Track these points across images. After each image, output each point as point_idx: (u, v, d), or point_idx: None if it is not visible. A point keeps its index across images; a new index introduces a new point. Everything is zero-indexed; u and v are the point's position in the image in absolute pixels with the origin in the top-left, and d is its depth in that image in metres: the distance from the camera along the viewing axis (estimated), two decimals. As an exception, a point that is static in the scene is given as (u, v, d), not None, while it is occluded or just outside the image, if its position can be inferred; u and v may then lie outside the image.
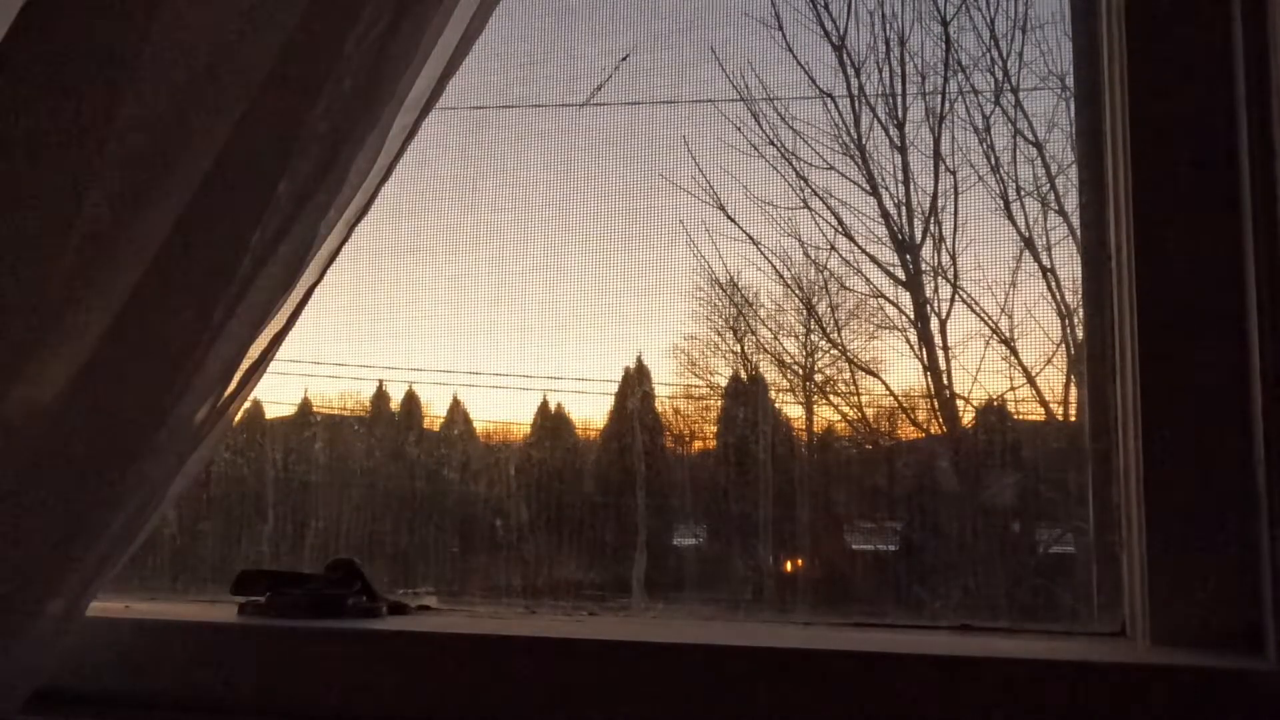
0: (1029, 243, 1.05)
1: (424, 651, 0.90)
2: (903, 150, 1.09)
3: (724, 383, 1.16)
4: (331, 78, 0.73)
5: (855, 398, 1.12)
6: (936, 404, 1.09)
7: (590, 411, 1.16)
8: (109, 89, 0.71)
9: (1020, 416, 1.06)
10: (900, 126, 1.09)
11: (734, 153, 1.10)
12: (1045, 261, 1.04)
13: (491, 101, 1.12)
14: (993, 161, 1.07)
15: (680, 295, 1.12)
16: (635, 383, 1.14)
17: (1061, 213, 1.04)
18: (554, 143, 1.11)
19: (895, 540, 1.08)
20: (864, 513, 1.11)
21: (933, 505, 1.07)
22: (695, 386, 1.17)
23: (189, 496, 1.16)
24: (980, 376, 1.06)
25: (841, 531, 1.10)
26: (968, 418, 1.08)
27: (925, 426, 1.10)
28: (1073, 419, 1.03)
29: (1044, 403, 1.06)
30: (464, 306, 1.13)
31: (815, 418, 1.13)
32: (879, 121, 1.09)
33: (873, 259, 1.09)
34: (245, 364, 0.82)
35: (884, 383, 1.10)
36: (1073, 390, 1.04)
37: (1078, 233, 1.00)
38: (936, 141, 1.08)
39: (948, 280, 1.07)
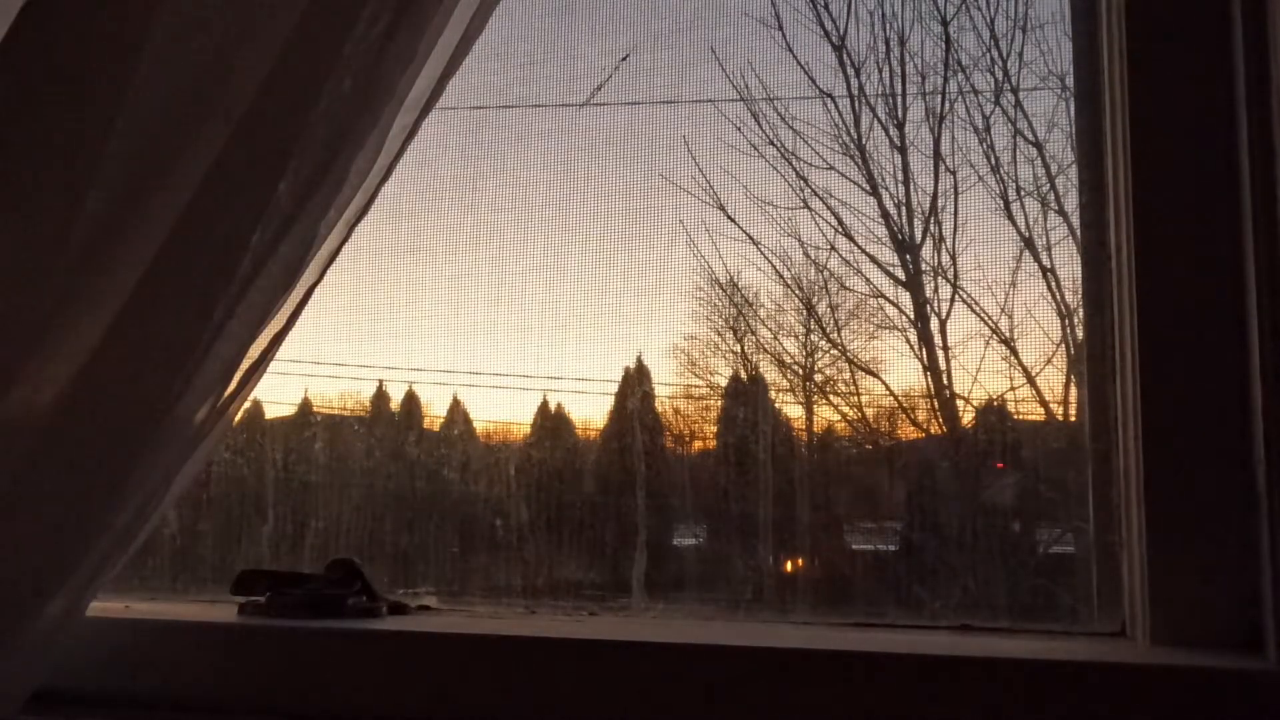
0: (1029, 243, 1.05)
1: (424, 651, 0.90)
2: (903, 150, 1.09)
3: (724, 383, 1.16)
4: (331, 78, 0.73)
5: (855, 398, 1.12)
6: (936, 404, 1.09)
7: (590, 411, 1.17)
8: (109, 89, 0.71)
9: (1020, 416, 1.06)
10: (900, 126, 1.09)
11: (734, 153, 1.10)
12: (1045, 261, 1.04)
13: (491, 101, 1.12)
14: (993, 161, 1.07)
15: (680, 295, 1.12)
16: (635, 383, 1.14)
17: (1061, 213, 1.04)
18: (554, 143, 1.11)
19: (895, 540, 1.08)
20: (864, 513, 1.11)
21: (933, 505, 1.07)
22: (695, 386, 1.17)
23: (189, 496, 1.16)
24: (980, 376, 1.06)
25: (841, 531, 1.10)
26: (968, 418, 1.08)
27: (925, 426, 1.10)
28: (1073, 419, 1.03)
29: (1044, 403, 1.06)
30: (464, 306, 1.13)
31: (815, 418, 1.13)
32: (879, 121, 1.09)
33: (873, 259, 1.09)
34: (245, 364, 0.82)
35: (884, 383, 1.10)
36: (1073, 390, 1.04)
37: (1078, 233, 1.00)
38: (936, 141, 1.08)
39: (948, 280, 1.07)
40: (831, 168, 1.09)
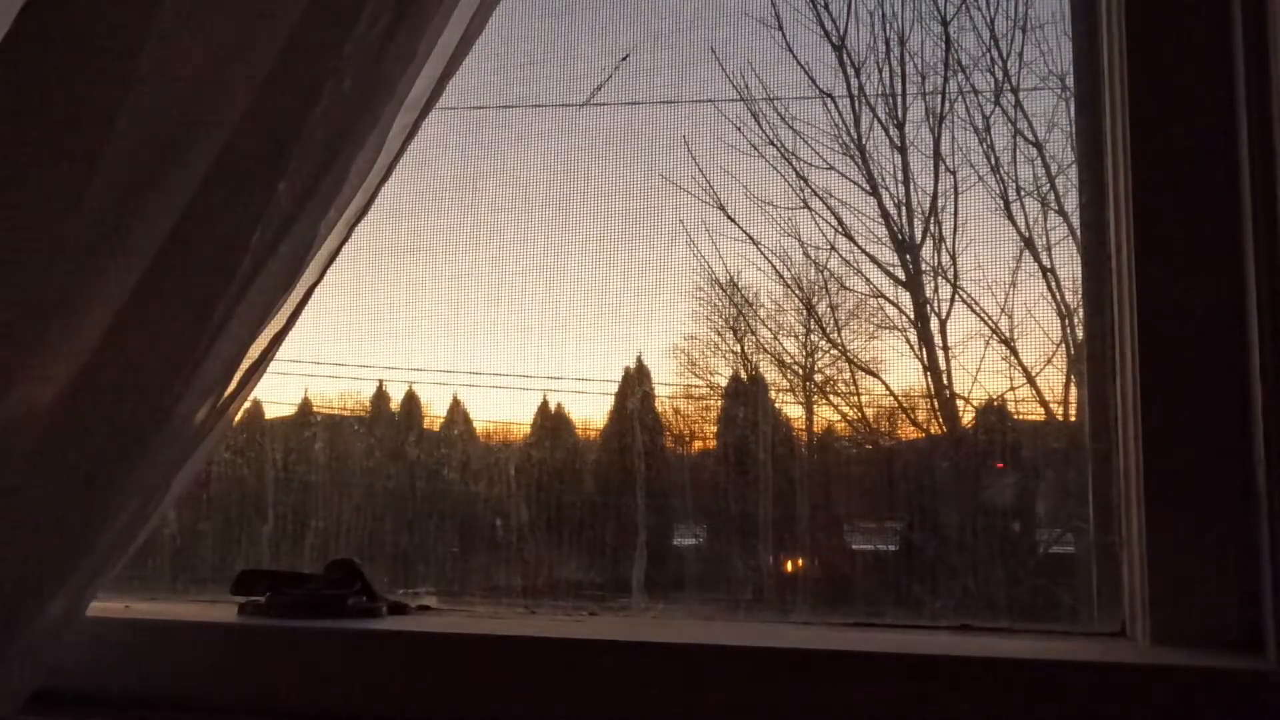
0: (1029, 243, 1.05)
1: (424, 651, 0.90)
2: (903, 150, 1.09)
3: (724, 383, 1.16)
4: (331, 78, 0.73)
5: (855, 398, 1.12)
6: (936, 404, 1.09)
7: (590, 411, 1.17)
8: (110, 89, 0.71)
9: (1020, 416, 1.06)
10: (900, 126, 1.09)
11: (734, 153, 1.10)
12: (1045, 261, 1.04)
13: (491, 101, 1.12)
14: (993, 161, 1.07)
15: (680, 295, 1.12)
16: (635, 383, 1.14)
17: (1061, 213, 1.04)
18: (554, 143, 1.11)
19: (895, 540, 1.08)
20: (864, 513, 1.11)
21: (933, 505, 1.07)
22: (695, 386, 1.17)
23: (189, 496, 1.16)
24: (980, 376, 1.06)
25: (841, 531, 1.10)
26: (968, 418, 1.08)
27: (925, 426, 1.10)
28: (1073, 419, 1.03)
29: (1044, 403, 1.06)
30: (464, 306, 1.13)
31: (815, 418, 1.13)
32: (879, 121, 1.09)
33: (873, 259, 1.09)
34: (245, 364, 0.82)
35: (884, 383, 1.10)
36: (1073, 390, 1.04)
37: (1078, 233, 1.00)
38: (936, 141, 1.08)
39: (948, 280, 1.07)
40: (831, 168, 1.10)
